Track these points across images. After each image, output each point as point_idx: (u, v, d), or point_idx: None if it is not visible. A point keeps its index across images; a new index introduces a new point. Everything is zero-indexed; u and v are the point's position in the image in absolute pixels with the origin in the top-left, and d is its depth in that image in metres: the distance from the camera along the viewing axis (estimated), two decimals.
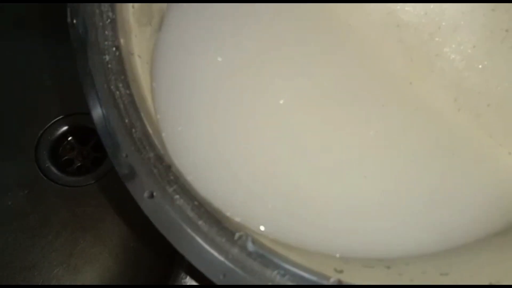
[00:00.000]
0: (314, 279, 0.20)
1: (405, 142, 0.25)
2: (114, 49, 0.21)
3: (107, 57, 0.21)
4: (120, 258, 0.36)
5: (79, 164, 0.41)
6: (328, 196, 0.23)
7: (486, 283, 0.19)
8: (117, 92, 0.21)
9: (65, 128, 0.41)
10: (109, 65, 0.21)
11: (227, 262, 0.20)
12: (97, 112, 0.21)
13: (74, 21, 0.22)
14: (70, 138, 0.41)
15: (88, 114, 0.39)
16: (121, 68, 0.21)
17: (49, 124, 0.40)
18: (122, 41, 0.21)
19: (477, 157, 0.25)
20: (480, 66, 0.27)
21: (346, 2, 0.28)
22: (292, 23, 0.27)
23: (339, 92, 0.26)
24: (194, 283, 0.24)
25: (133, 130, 0.21)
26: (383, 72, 0.27)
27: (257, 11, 0.27)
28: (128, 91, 0.21)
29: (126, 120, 0.21)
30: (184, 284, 0.25)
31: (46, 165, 0.39)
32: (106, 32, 0.22)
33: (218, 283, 0.20)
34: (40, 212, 0.37)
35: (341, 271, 0.20)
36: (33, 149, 0.39)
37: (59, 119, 0.41)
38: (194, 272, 0.22)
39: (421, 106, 0.26)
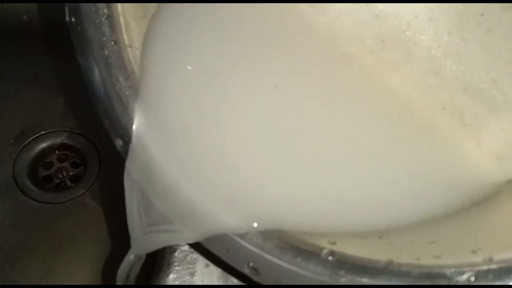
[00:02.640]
0: (309, 250, 0.21)
1: (383, 125, 0.26)
2: (112, 43, 0.23)
3: (106, 52, 0.22)
4: (99, 275, 0.35)
5: (57, 181, 0.41)
6: (317, 182, 0.24)
7: (469, 249, 0.21)
8: (118, 84, 0.22)
9: (43, 145, 0.40)
10: (109, 60, 0.22)
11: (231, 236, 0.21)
12: (101, 105, 0.22)
13: (73, 19, 0.23)
14: (48, 155, 0.41)
15: (66, 131, 0.41)
16: (121, 61, 0.22)
17: (28, 141, 0.40)
18: (119, 35, 0.23)
19: (448, 140, 0.27)
20: (456, 52, 0.28)
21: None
22: (268, 29, 0.28)
23: (315, 89, 0.27)
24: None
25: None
26: (361, 62, 0.28)
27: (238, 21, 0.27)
28: (129, 83, 0.22)
29: (129, 111, 0.22)
30: None
31: (24, 182, 0.39)
32: (103, 28, 0.23)
33: (223, 258, 0.22)
34: (17, 230, 0.37)
35: (334, 243, 0.22)
36: (11, 166, 0.39)
37: (37, 136, 0.40)
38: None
39: (398, 94, 0.28)
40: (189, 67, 0.25)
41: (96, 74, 0.22)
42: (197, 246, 0.24)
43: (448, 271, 0.19)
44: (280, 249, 0.22)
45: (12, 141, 0.40)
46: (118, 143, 0.23)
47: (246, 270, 0.22)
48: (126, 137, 0.23)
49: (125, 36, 0.23)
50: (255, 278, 0.22)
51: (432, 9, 0.29)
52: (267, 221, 0.22)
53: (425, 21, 0.28)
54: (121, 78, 0.22)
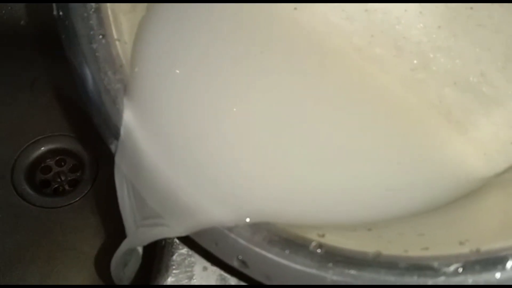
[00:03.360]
0: (298, 242, 0.21)
1: (372, 121, 0.26)
2: (100, 37, 0.23)
3: (94, 46, 0.22)
4: (98, 280, 0.36)
5: (55, 186, 0.41)
6: (306, 176, 0.24)
7: (457, 241, 0.21)
8: (106, 78, 0.22)
9: (42, 149, 0.41)
10: (97, 54, 0.22)
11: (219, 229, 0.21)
12: (90, 99, 0.22)
13: (60, 13, 0.23)
14: (46, 159, 0.41)
15: (65, 135, 0.41)
16: (109, 55, 0.22)
17: (26, 145, 0.41)
18: (107, 29, 0.23)
19: (436, 135, 0.27)
20: (446, 46, 0.28)
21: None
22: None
23: (306, 88, 0.27)
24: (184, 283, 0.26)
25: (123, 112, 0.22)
26: (351, 58, 0.28)
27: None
28: (117, 77, 0.22)
29: (117, 106, 0.22)
30: None
31: (22, 187, 0.39)
32: (91, 22, 0.23)
33: (212, 252, 0.22)
34: (15, 234, 0.37)
35: (323, 235, 0.22)
36: (9, 171, 0.39)
37: (35, 140, 0.41)
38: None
39: (387, 90, 0.28)
40: (177, 71, 0.25)
41: (84, 68, 0.22)
42: (196, 249, 0.25)
43: (435, 263, 0.19)
44: (269, 242, 0.22)
45: (10, 146, 0.40)
46: (107, 137, 0.23)
47: (235, 263, 0.22)
48: (115, 131, 0.23)
49: (113, 30, 0.23)
50: (244, 271, 0.22)
51: (422, 3, 0.29)
52: (257, 214, 0.22)
53: (414, 16, 0.29)
54: (109, 72, 0.22)
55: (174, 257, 0.26)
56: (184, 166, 0.23)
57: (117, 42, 0.23)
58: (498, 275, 0.18)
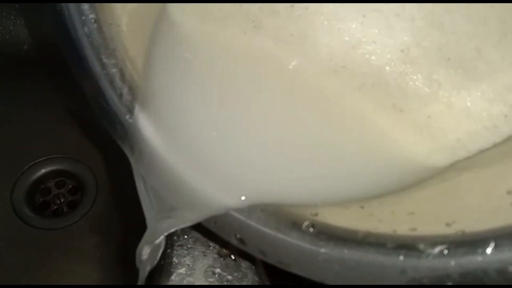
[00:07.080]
0: (291, 221, 0.22)
1: (357, 103, 0.27)
2: (92, 21, 0.22)
3: (86, 30, 0.22)
4: None
5: (55, 207, 0.41)
6: (298, 163, 0.25)
7: (444, 222, 0.22)
8: (100, 63, 0.22)
9: (41, 171, 0.41)
10: (89, 38, 0.22)
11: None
12: (87, 84, 0.23)
13: None
14: (46, 181, 0.42)
15: (64, 157, 0.41)
16: (102, 39, 0.22)
17: (26, 167, 0.41)
18: (99, 13, 0.22)
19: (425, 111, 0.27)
20: (440, 22, 0.28)
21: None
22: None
23: (292, 82, 0.27)
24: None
25: (122, 97, 0.22)
26: (338, 40, 0.28)
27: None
28: (112, 61, 0.22)
29: (112, 89, 0.22)
30: None
31: (22, 208, 0.39)
32: (83, 6, 0.23)
33: (212, 229, 0.23)
34: (15, 256, 0.37)
35: (316, 214, 0.23)
36: (9, 192, 0.40)
37: (35, 162, 0.41)
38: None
39: (378, 71, 0.28)
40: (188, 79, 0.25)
41: (78, 54, 0.22)
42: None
43: (421, 244, 0.20)
44: (265, 220, 0.23)
45: (10, 167, 0.41)
46: (105, 121, 0.23)
47: (233, 241, 0.23)
48: (112, 112, 0.23)
49: (106, 14, 0.23)
50: (242, 248, 0.23)
51: None
52: (256, 197, 0.23)
53: None
54: (103, 57, 0.22)
55: (172, 277, 0.27)
56: (191, 158, 0.24)
57: (109, 26, 0.23)
58: (479, 258, 0.19)
